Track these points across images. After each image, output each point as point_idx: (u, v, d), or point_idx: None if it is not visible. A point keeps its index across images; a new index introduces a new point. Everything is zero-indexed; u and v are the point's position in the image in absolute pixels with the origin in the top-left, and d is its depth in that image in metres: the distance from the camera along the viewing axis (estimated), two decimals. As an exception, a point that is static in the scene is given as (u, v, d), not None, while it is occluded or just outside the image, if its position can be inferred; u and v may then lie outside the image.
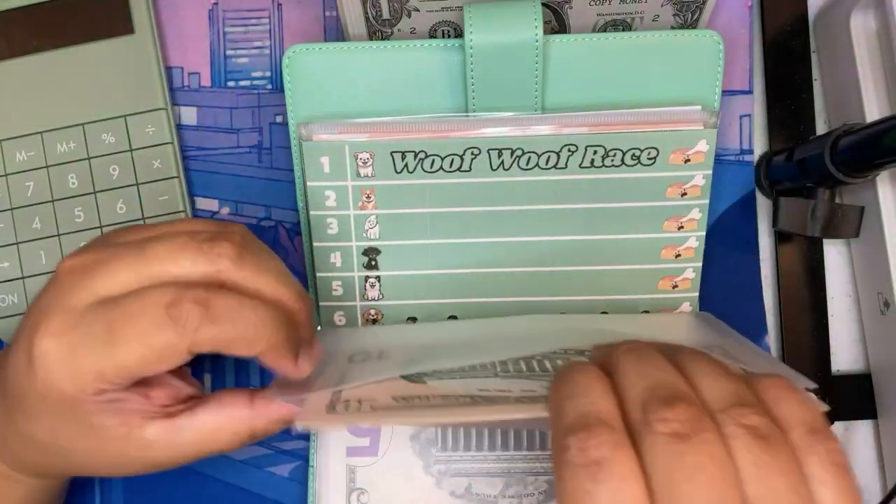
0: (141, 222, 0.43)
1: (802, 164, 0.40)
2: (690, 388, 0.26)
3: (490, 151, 0.39)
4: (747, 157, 0.45)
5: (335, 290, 0.42)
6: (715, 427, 0.24)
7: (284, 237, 0.45)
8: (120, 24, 0.43)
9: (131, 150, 0.43)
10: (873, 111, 0.42)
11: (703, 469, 0.23)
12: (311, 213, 0.41)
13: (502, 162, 0.40)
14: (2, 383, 0.31)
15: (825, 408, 0.27)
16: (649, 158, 0.40)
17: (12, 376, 0.30)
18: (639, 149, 0.39)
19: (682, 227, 0.41)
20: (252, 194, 0.45)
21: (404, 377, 0.34)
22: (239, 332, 0.28)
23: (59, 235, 0.43)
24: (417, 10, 0.39)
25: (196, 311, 0.28)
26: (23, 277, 0.43)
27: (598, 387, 0.26)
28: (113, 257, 0.29)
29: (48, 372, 0.28)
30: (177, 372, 0.32)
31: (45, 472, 0.34)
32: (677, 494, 0.23)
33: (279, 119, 0.45)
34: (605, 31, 0.41)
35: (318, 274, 0.42)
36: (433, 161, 0.40)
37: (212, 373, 0.44)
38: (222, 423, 0.32)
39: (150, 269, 0.29)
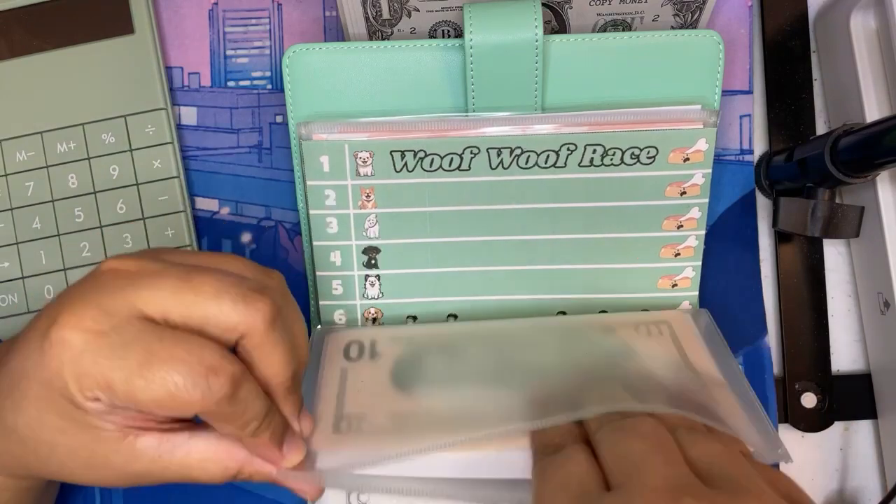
0: (141, 222, 0.43)
1: (802, 164, 0.40)
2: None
3: (489, 150, 0.39)
4: (747, 157, 0.45)
5: (335, 289, 0.42)
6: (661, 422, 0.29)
7: (284, 237, 0.45)
8: (120, 24, 0.43)
9: (131, 150, 0.43)
10: (873, 111, 0.42)
11: (642, 431, 0.28)
12: (311, 212, 0.41)
13: (501, 161, 0.40)
14: None
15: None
16: (648, 157, 0.40)
17: (18, 359, 0.29)
18: (638, 148, 0.39)
19: (681, 225, 0.41)
20: (252, 194, 0.45)
21: (394, 383, 0.37)
22: (245, 418, 0.29)
23: (59, 235, 0.43)
24: (417, 10, 0.39)
25: (228, 388, 0.27)
26: (23, 277, 0.43)
27: (570, 424, 0.32)
28: (158, 274, 0.29)
29: (60, 362, 0.27)
30: None
31: (16, 469, 0.33)
32: (616, 450, 0.28)
33: (279, 119, 0.45)
34: (605, 31, 0.41)
35: (318, 273, 0.42)
36: (432, 160, 0.40)
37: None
38: (215, 454, 0.31)
39: (190, 299, 0.28)
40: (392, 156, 0.40)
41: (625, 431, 0.28)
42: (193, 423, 0.32)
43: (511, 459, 0.32)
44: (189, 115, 0.45)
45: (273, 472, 0.32)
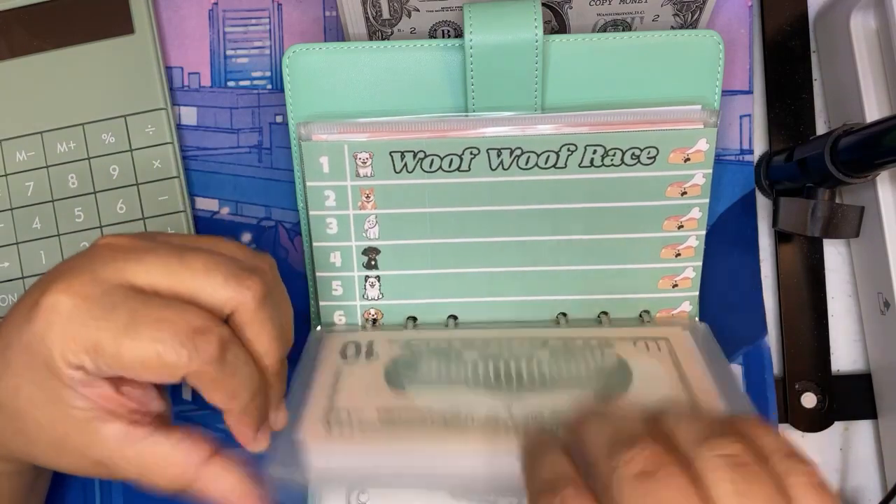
0: (141, 222, 0.43)
1: (802, 164, 0.40)
2: (659, 433, 0.27)
3: (489, 151, 0.39)
4: (747, 157, 0.45)
5: (335, 289, 0.42)
6: (684, 461, 0.24)
7: (284, 237, 0.45)
8: (120, 24, 0.43)
9: (131, 150, 0.43)
10: (873, 111, 0.42)
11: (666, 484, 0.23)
12: (311, 213, 0.41)
13: (501, 162, 0.40)
14: None
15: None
16: (649, 158, 0.40)
17: (6, 328, 0.30)
18: (638, 148, 0.39)
19: (682, 226, 0.41)
20: (252, 194, 0.45)
21: (388, 381, 0.38)
22: (234, 385, 0.29)
23: (59, 235, 0.43)
24: (417, 10, 0.39)
25: (215, 348, 0.28)
26: (23, 277, 0.43)
27: (562, 458, 0.28)
28: (152, 251, 0.29)
29: (47, 324, 0.28)
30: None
31: None
32: None
33: (279, 119, 0.45)
34: (605, 31, 0.41)
35: (318, 274, 0.42)
36: (432, 161, 0.40)
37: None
38: (174, 458, 0.30)
39: (181, 275, 0.29)
40: (392, 156, 0.40)
41: (650, 496, 0.24)
42: (161, 423, 0.31)
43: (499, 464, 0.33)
44: (189, 115, 0.45)
45: (228, 494, 0.31)
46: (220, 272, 0.29)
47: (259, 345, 0.30)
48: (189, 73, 0.45)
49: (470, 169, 0.40)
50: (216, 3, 0.45)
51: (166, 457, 0.30)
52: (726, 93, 0.45)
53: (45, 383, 0.29)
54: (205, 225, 0.45)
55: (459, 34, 0.41)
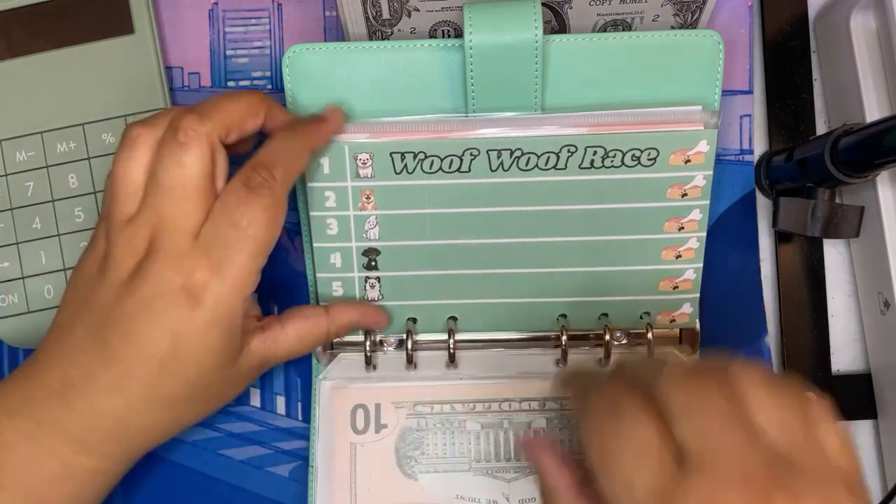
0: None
1: (802, 164, 0.40)
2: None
3: (489, 152, 0.39)
4: (747, 157, 0.45)
5: (335, 290, 0.42)
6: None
7: (284, 237, 0.45)
8: (120, 24, 0.43)
9: (131, 150, 0.43)
10: (873, 111, 0.42)
11: (713, 404, 0.27)
12: (311, 213, 0.41)
13: (501, 163, 0.40)
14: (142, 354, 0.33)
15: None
16: (649, 159, 0.40)
17: (175, 332, 0.33)
18: (639, 149, 0.39)
19: (682, 227, 0.41)
20: (252, 194, 0.45)
21: (400, 468, 0.42)
22: (295, 148, 0.36)
23: (59, 235, 0.43)
24: (417, 10, 0.39)
25: (258, 170, 0.34)
26: (23, 277, 0.43)
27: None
28: (119, 238, 0.34)
29: (223, 292, 0.33)
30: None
31: (151, 442, 0.36)
32: (688, 423, 0.26)
33: (279, 119, 0.45)
34: (605, 31, 0.41)
35: (319, 274, 0.42)
36: (432, 162, 0.40)
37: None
38: (307, 329, 0.38)
39: (160, 200, 0.34)
40: (392, 157, 0.40)
41: (691, 399, 0.27)
42: (270, 317, 0.38)
43: None
44: (189, 115, 0.45)
45: (354, 314, 0.40)
46: (176, 150, 0.33)
47: (279, 115, 0.38)
48: (189, 73, 0.45)
49: (470, 170, 0.40)
50: (216, 3, 0.45)
51: (302, 332, 0.38)
52: (726, 93, 0.45)
53: (229, 329, 0.34)
54: (205, 225, 0.45)
55: (459, 34, 0.41)
